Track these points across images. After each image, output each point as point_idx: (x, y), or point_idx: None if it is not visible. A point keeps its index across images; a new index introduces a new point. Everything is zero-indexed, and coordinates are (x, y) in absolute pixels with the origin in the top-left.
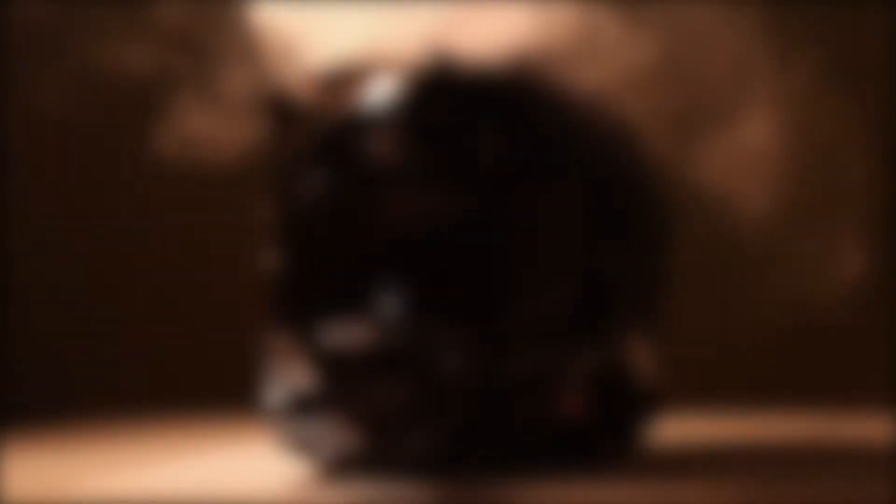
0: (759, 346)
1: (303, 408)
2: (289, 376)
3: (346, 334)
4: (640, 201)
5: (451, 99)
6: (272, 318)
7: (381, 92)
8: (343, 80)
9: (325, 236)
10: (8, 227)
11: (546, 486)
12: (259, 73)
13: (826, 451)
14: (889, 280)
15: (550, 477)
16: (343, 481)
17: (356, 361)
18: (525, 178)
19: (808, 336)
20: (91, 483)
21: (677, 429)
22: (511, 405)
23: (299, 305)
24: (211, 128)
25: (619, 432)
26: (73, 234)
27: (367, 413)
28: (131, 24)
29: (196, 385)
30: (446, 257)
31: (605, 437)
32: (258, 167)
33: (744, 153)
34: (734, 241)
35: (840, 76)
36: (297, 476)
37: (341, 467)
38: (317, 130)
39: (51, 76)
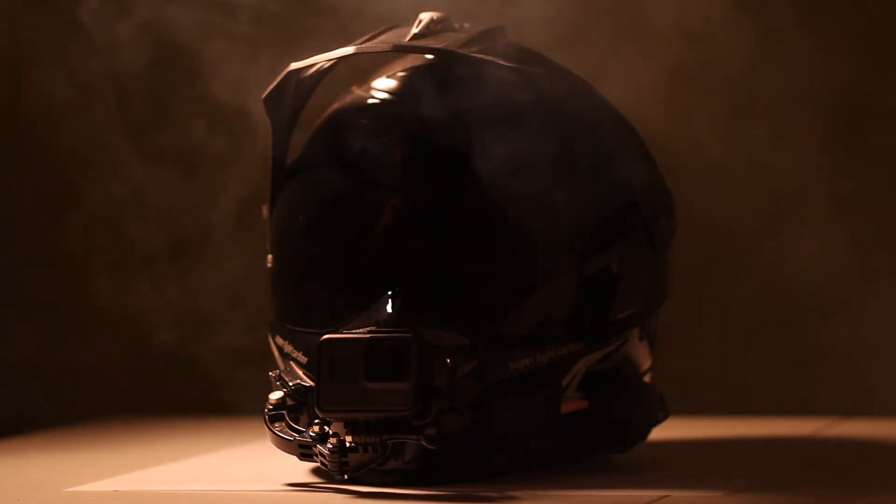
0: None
1: (302, 410)
2: (288, 378)
3: (346, 336)
4: (641, 200)
5: (450, 98)
6: (272, 320)
7: (379, 91)
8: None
9: (324, 237)
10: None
11: (546, 485)
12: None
13: None
14: None
15: (550, 475)
16: (342, 482)
17: (355, 364)
18: (526, 178)
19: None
20: (91, 483)
21: (676, 427)
22: (511, 405)
23: (298, 307)
24: None
25: (618, 431)
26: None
27: (367, 415)
28: None
29: (195, 386)
30: (446, 257)
31: (604, 436)
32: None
33: None
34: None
35: None
36: (296, 476)
37: (341, 469)
38: (314, 129)
39: None
